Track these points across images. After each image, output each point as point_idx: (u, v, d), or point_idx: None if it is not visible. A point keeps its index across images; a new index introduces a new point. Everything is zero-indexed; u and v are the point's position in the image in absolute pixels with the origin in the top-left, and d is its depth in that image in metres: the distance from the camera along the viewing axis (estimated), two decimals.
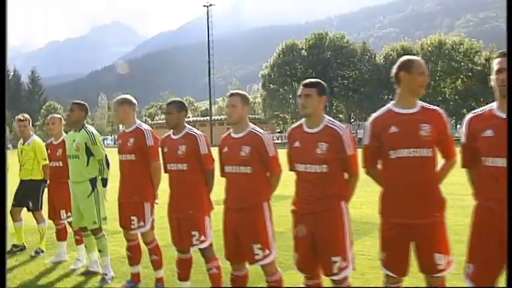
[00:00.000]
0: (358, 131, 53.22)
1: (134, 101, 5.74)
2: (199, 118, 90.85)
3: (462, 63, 60.64)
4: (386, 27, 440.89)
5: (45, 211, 7.65)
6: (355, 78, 67.04)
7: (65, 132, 7.08)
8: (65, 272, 6.64)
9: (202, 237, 5.03)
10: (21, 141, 7.87)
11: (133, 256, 5.81)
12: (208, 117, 79.59)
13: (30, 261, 7.26)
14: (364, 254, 6.74)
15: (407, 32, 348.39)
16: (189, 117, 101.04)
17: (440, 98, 61.57)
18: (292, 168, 4.36)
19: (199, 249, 5.10)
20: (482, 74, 59.09)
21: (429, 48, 62.27)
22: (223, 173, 4.69)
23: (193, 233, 5.02)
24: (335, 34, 70.74)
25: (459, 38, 63.92)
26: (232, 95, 4.61)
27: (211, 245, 5.12)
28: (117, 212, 5.72)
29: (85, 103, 6.45)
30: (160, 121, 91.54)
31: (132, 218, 5.52)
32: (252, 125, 4.59)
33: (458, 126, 63.84)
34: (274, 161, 4.49)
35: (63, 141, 6.94)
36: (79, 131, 6.23)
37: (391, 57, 63.10)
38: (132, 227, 5.54)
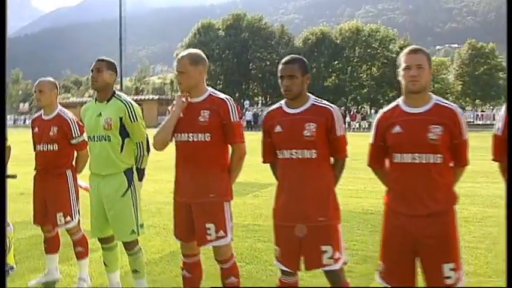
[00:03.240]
0: None
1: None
2: None
3: (378, 50, 61.92)
4: (290, 13, 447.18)
5: (23, 211, 5.61)
6: (272, 60, 66.33)
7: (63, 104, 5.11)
8: None
9: (337, 255, 3.48)
10: None
11: (194, 277, 4.04)
12: None
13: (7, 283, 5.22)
14: None
15: (310, 19, 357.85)
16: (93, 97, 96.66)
17: (357, 83, 62.59)
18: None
19: (326, 271, 3.54)
20: (396, 61, 60.53)
21: (347, 34, 62.80)
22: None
23: (324, 248, 3.45)
24: (253, 15, 69.46)
25: (375, 26, 65.05)
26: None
27: (345, 263, 3.58)
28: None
29: (114, 61, 4.54)
30: (64, 101, 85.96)
31: (208, 225, 3.78)
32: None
33: (373, 111, 65.42)
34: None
35: (59, 115, 4.97)
36: (108, 101, 4.34)
37: (309, 41, 63.13)
38: (209, 238, 3.80)
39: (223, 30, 67.38)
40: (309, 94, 3.63)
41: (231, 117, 3.83)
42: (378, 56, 62.08)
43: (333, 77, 63.65)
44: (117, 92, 4.41)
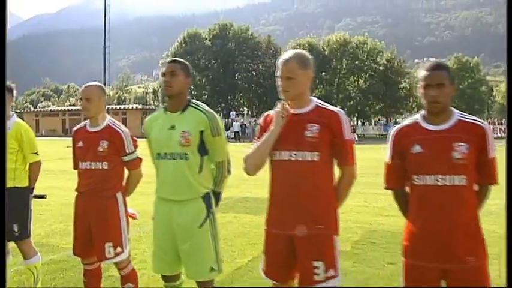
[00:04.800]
0: None
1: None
2: None
3: (365, 63, 61.85)
4: (271, 24, 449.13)
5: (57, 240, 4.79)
6: (259, 71, 65.82)
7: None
8: None
9: None
10: None
11: None
12: None
13: None
14: None
15: (291, 31, 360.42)
16: (75, 105, 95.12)
17: (344, 95, 62.42)
18: None
19: None
20: (383, 73, 60.86)
21: (334, 46, 62.58)
22: None
23: None
24: (239, 26, 68.95)
25: (363, 38, 64.91)
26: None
27: None
28: None
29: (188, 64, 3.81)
30: (44, 108, 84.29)
31: (316, 264, 3.09)
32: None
33: (359, 123, 65.34)
34: None
35: (109, 127, 4.18)
36: (183, 110, 3.59)
37: None
38: (317, 278, 3.10)
39: (209, 40, 66.68)
40: (452, 108, 2.97)
41: (345, 133, 3.17)
42: (365, 68, 61.95)
43: (320, 89, 63.36)
44: (194, 101, 3.67)
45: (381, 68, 61.20)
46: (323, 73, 62.25)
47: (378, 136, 52.20)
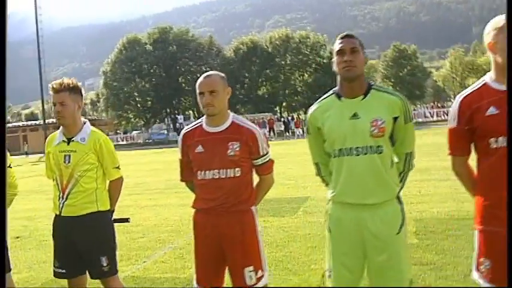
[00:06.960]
0: None
1: None
2: (29, 122, 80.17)
3: (310, 57, 62.14)
4: (202, 26, 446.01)
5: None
6: (203, 72, 64.67)
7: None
8: None
9: None
10: (60, 136, 3.90)
11: None
12: (39, 121, 70.91)
13: None
14: None
15: (221, 32, 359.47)
16: (11, 122, 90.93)
17: (289, 91, 62.52)
18: None
19: None
20: (328, 66, 61.25)
21: (277, 42, 62.54)
22: None
23: None
24: (179, 28, 67.81)
25: (305, 32, 65.30)
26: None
27: None
28: None
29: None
30: None
31: None
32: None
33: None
34: None
35: (236, 125, 3.39)
36: (365, 94, 2.95)
37: (240, 50, 62.41)
38: None
39: (150, 45, 65.11)
40: None
41: None
42: (310, 62, 62.25)
43: (266, 86, 63.26)
44: (372, 82, 3.05)
45: (324, 61, 61.69)
46: (268, 70, 62.15)
47: None
